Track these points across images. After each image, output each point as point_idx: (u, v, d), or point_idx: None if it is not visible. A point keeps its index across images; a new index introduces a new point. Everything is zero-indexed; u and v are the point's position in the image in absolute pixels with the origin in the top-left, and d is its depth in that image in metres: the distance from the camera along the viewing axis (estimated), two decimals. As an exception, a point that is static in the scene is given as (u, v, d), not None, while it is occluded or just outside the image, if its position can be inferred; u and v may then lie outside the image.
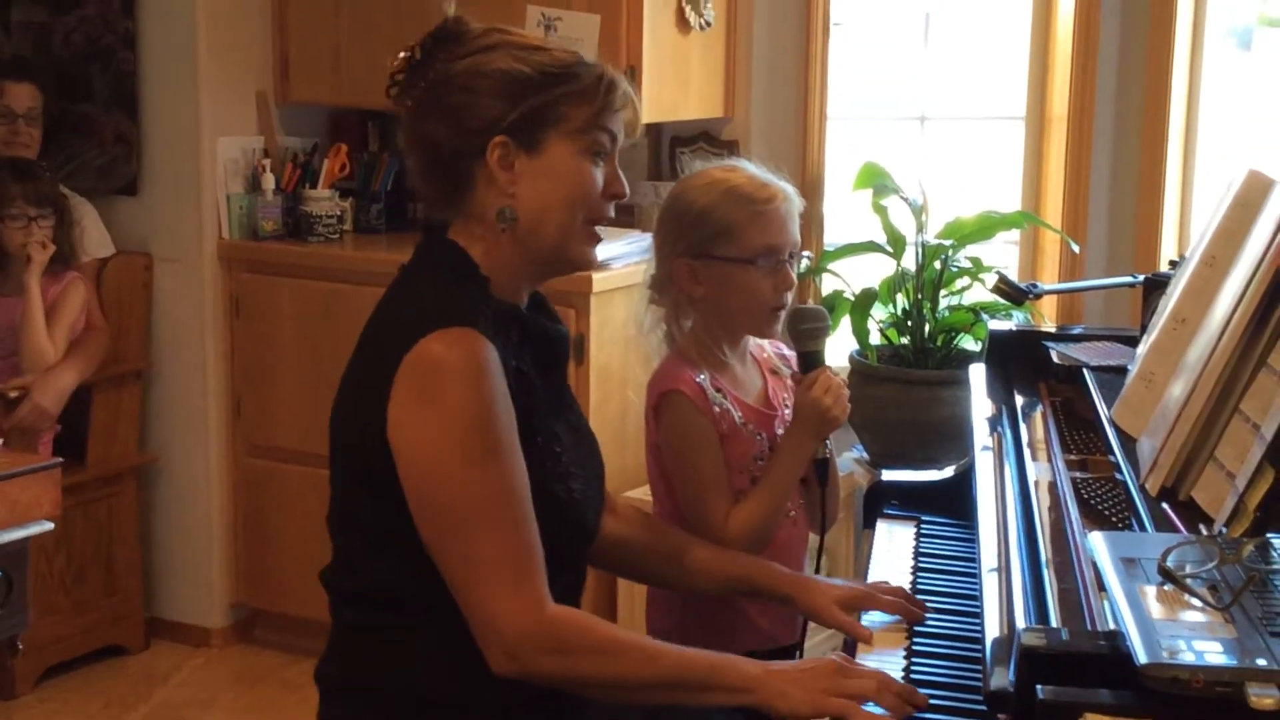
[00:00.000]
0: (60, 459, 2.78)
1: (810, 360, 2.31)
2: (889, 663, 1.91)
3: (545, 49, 1.93)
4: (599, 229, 1.98)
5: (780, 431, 2.34)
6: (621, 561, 2.26)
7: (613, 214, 2.00)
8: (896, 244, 3.78)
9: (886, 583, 2.14)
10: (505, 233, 1.91)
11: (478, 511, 1.80)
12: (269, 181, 4.17)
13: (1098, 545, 1.54)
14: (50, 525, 2.68)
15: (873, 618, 2.08)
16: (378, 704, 1.92)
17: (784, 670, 1.82)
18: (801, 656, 2.35)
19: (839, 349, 3.86)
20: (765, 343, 2.44)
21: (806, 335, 2.31)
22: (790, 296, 2.32)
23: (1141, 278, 2.75)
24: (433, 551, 1.83)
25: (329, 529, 1.99)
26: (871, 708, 1.75)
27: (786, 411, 2.36)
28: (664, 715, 2.09)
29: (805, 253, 2.47)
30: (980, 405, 2.39)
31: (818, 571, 2.38)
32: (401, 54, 1.94)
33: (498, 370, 1.82)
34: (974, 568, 2.08)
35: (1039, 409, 2.31)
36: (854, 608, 2.10)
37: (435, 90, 1.91)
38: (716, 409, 2.29)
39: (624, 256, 3.72)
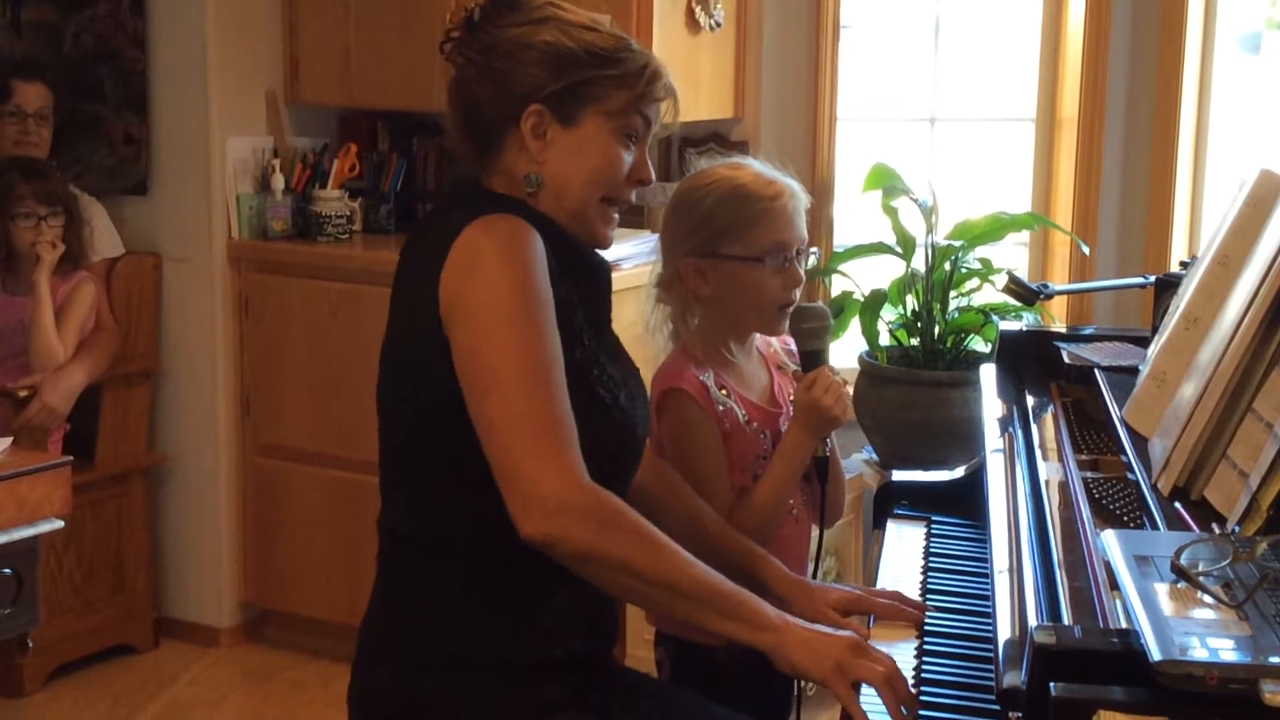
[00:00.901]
0: (70, 457, 2.78)
1: (812, 359, 2.30)
2: (897, 657, 1.90)
3: (595, 29, 1.97)
4: (615, 213, 2.02)
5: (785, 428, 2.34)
6: (635, 507, 2.25)
7: (634, 199, 2.04)
8: (906, 245, 3.78)
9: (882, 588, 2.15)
10: (531, 196, 1.96)
11: (519, 373, 1.79)
12: (278, 181, 4.18)
13: (1110, 543, 1.53)
14: (60, 523, 2.69)
15: None
16: (414, 662, 1.91)
17: (800, 628, 1.82)
18: None
19: (849, 350, 3.86)
20: (773, 338, 2.44)
21: (808, 334, 2.30)
22: (799, 293, 2.31)
23: (1153, 278, 2.75)
24: (478, 423, 1.82)
25: (380, 477, 2.01)
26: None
27: (791, 408, 2.35)
28: (676, 707, 2.08)
29: (813, 249, 2.46)
30: (991, 405, 2.39)
31: (816, 570, 2.38)
32: (461, 13, 1.98)
33: (540, 253, 1.86)
34: (984, 567, 2.08)
35: (1050, 409, 2.30)
36: (849, 612, 2.10)
37: (485, 54, 1.95)
38: (720, 408, 2.28)
39: (633, 257, 3.72)
